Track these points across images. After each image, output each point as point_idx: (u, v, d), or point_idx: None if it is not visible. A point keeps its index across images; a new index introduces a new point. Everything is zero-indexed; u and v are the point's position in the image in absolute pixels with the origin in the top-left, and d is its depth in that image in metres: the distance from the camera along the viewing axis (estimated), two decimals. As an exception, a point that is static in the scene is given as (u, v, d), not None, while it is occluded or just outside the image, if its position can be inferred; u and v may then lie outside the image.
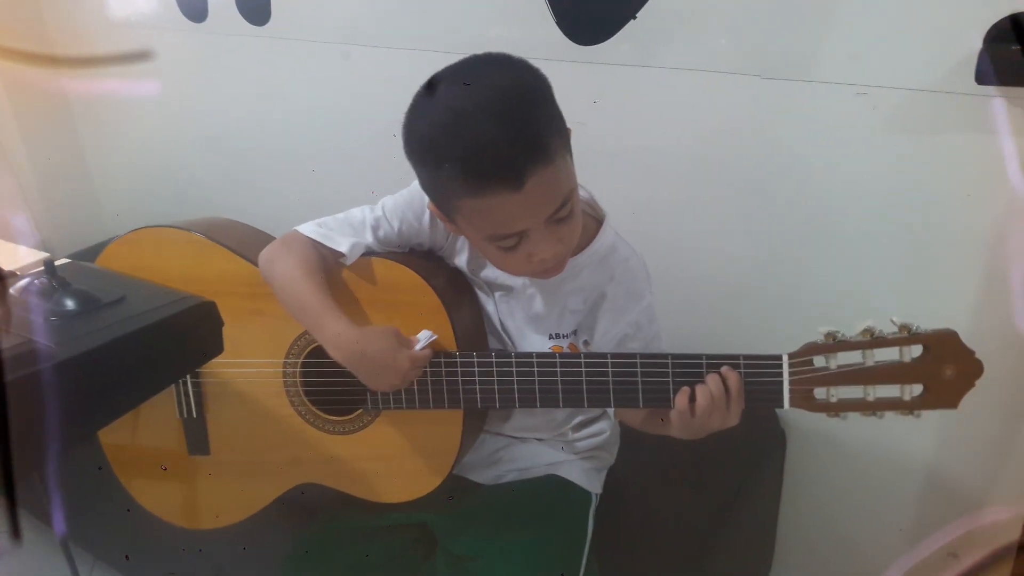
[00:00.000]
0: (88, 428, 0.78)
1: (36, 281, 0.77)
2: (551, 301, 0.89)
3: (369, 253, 0.90)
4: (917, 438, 1.15)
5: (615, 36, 1.14)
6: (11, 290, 0.78)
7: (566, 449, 0.98)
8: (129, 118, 1.89)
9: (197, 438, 1.02)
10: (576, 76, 1.19)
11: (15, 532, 0.65)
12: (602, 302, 0.89)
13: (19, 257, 1.23)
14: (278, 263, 0.88)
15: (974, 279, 1.02)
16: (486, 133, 0.69)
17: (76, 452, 1.07)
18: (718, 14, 1.07)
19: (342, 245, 0.87)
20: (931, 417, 1.10)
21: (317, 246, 0.88)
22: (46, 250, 1.47)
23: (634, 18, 1.12)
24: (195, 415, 1.00)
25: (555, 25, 1.17)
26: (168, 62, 1.71)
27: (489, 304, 0.91)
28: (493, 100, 0.69)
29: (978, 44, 0.90)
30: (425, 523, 0.97)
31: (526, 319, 0.90)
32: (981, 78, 0.89)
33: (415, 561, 0.96)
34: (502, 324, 0.91)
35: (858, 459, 1.22)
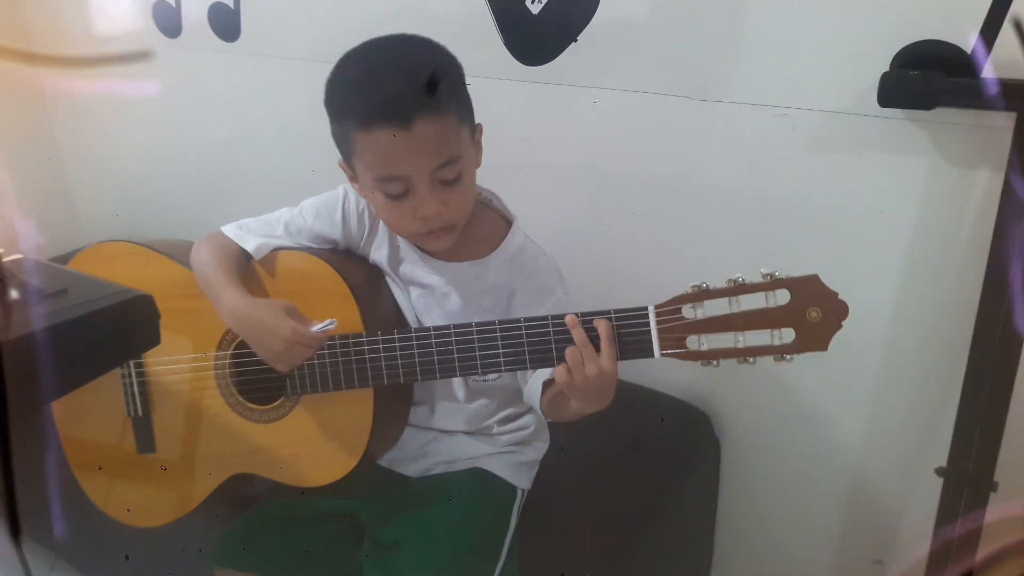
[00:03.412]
0: (28, 408, 0.82)
1: (-17, 274, 0.81)
2: (466, 298, 0.94)
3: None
4: (844, 444, 1.20)
5: (558, 58, 1.21)
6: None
7: (491, 443, 1.02)
8: (107, 127, 1.95)
9: (144, 436, 1.05)
10: (522, 94, 1.25)
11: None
12: (513, 299, 0.94)
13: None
14: (200, 252, 0.97)
15: (890, 290, 1.07)
16: (385, 74, 0.78)
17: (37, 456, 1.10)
18: (651, 38, 1.13)
19: (249, 244, 0.95)
20: (856, 424, 1.16)
21: (235, 243, 0.97)
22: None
23: (575, 40, 1.18)
24: (141, 413, 1.04)
25: (504, 46, 1.24)
26: (145, 74, 1.77)
27: (406, 301, 0.96)
28: (399, 55, 0.79)
29: (886, 68, 0.96)
30: (355, 513, 1.00)
31: (443, 316, 0.95)
32: (884, 100, 0.94)
33: (344, 551, 0.99)
34: (419, 321, 0.96)
35: (791, 469, 1.26)
